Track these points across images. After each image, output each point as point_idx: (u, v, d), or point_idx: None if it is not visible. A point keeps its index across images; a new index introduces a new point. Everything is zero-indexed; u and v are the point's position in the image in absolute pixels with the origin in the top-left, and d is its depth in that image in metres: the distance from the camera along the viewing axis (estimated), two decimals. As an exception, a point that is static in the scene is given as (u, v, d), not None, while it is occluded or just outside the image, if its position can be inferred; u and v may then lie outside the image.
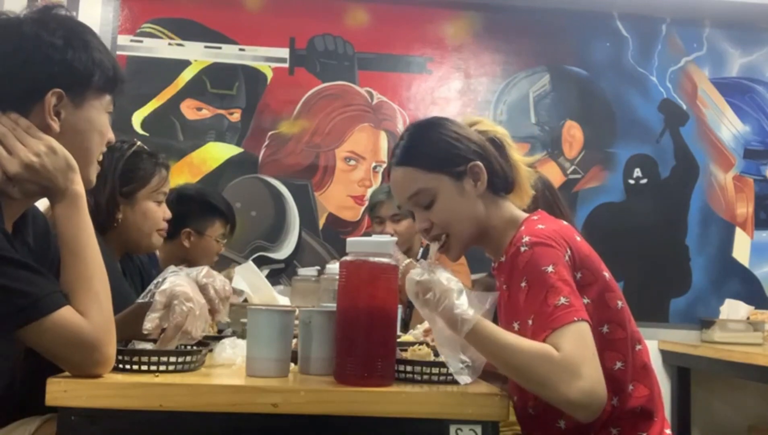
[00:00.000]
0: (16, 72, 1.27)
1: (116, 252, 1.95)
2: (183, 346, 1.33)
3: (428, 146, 1.49)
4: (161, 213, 1.97)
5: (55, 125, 1.28)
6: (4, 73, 1.27)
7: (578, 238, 1.44)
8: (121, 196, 1.89)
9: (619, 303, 1.42)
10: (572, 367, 1.22)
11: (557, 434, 1.40)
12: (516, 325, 1.37)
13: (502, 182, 1.51)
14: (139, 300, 1.41)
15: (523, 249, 1.36)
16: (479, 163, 1.48)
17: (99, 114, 1.35)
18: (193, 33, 3.66)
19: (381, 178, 3.66)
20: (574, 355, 1.23)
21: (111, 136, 1.39)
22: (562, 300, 1.28)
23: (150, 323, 1.32)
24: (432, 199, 1.47)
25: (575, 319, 1.26)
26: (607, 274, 1.44)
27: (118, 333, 1.45)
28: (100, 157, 1.39)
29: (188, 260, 2.47)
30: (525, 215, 1.51)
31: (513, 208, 1.53)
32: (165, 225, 1.98)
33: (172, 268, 1.43)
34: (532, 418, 1.43)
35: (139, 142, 1.99)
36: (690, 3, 3.80)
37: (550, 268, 1.32)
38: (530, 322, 1.31)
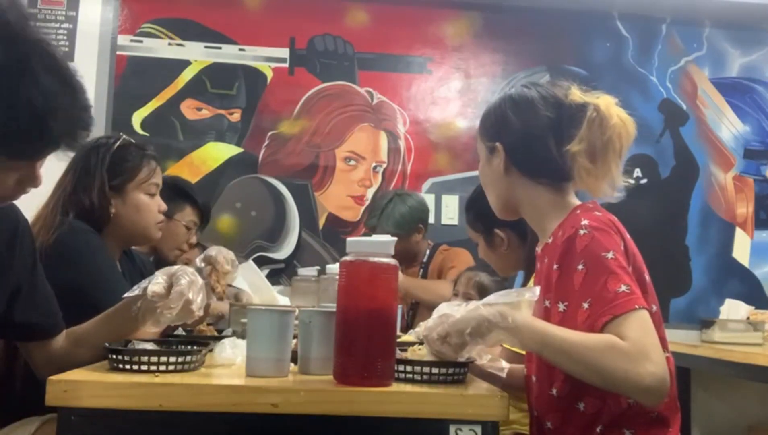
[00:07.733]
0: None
1: (115, 250, 1.93)
2: (183, 346, 1.33)
3: (485, 113, 1.59)
4: (155, 205, 1.94)
5: None
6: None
7: (627, 235, 1.44)
8: (110, 189, 1.86)
9: (654, 307, 1.41)
10: (642, 354, 1.23)
11: (574, 416, 1.39)
12: (562, 306, 1.36)
13: (540, 170, 1.49)
14: (127, 294, 1.38)
15: (582, 232, 1.35)
16: (499, 145, 1.51)
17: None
18: (193, 33, 3.66)
19: (381, 178, 3.66)
20: (642, 342, 1.24)
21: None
22: (623, 287, 1.28)
23: (156, 287, 1.32)
24: (478, 160, 1.61)
25: (637, 306, 1.27)
26: (647, 276, 1.43)
27: (112, 332, 1.43)
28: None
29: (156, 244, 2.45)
30: (577, 202, 1.50)
31: (561, 193, 1.50)
32: (162, 217, 1.96)
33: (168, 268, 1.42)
34: (554, 399, 1.42)
35: (124, 136, 1.95)
36: (690, 3, 3.80)
37: (610, 255, 1.32)
38: (586, 305, 1.30)
